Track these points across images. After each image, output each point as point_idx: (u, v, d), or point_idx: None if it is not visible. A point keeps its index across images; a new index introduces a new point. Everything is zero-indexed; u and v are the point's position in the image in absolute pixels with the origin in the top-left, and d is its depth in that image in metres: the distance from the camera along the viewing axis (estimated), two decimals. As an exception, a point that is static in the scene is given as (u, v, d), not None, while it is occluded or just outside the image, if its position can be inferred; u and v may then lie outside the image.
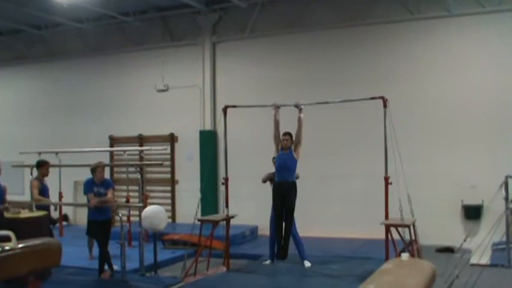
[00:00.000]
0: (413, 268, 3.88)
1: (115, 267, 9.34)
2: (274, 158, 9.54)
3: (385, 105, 8.99)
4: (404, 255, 4.18)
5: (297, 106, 9.25)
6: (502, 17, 12.20)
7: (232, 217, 10.27)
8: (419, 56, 12.90)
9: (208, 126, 14.88)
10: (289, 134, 9.18)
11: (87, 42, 16.75)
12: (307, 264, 10.07)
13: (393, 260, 4.60)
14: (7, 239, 5.34)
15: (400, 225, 8.80)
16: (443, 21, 12.70)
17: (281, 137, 9.22)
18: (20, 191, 15.05)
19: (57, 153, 13.25)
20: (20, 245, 5.34)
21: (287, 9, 14.15)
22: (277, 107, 9.46)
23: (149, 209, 9.56)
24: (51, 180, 10.74)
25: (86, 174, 9.78)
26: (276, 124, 9.36)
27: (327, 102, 10.07)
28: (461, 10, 12.47)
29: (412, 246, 9.04)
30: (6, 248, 5.22)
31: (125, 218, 9.62)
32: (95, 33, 16.41)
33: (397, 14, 13.08)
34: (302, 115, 9.08)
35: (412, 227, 8.93)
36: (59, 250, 5.77)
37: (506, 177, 9.38)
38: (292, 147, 9.06)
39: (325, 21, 13.78)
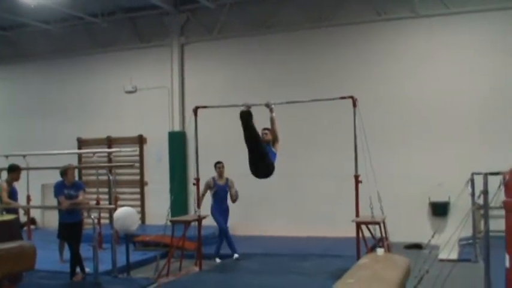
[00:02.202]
0: (389, 262, 3.99)
1: (87, 269, 9.27)
2: None
3: (354, 105, 9.12)
4: (380, 250, 4.29)
5: (267, 106, 9.28)
6: (466, 18, 12.49)
7: (204, 217, 10.31)
8: (387, 56, 13.12)
9: (177, 128, 14.88)
10: (268, 129, 9.20)
11: (54, 43, 16.57)
12: (235, 256, 10.84)
13: (369, 255, 4.70)
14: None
15: (371, 223, 8.96)
16: (409, 22, 12.94)
17: (261, 132, 9.21)
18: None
19: (24, 156, 13.07)
20: (-7, 249, 5.29)
21: (255, 10, 14.23)
22: (247, 107, 9.49)
23: (121, 210, 9.54)
24: (18, 184, 10.62)
25: (54, 177, 9.70)
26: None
27: (296, 102, 10.17)
28: (427, 11, 12.71)
29: (382, 243, 9.17)
30: (-20, 251, 5.17)
31: (95, 221, 9.54)
32: (62, 35, 16.26)
33: (364, 15, 13.28)
34: (274, 114, 9.11)
35: (382, 224, 9.06)
36: (33, 253, 5.75)
37: (472, 174, 9.56)
38: (271, 143, 9.06)
39: (293, 21, 13.90)
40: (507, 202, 5.31)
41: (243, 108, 8.60)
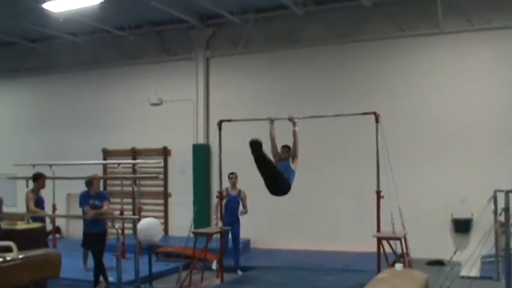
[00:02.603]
0: (407, 277, 4.04)
1: (110, 278, 9.41)
2: None
3: (377, 120, 9.17)
4: (398, 265, 4.33)
5: (290, 119, 9.34)
6: (492, 35, 12.46)
7: (227, 230, 10.38)
8: (411, 72, 13.13)
9: (201, 140, 15.00)
10: (287, 146, 9.21)
11: (81, 55, 16.84)
12: (239, 272, 10.97)
13: (388, 269, 4.75)
14: (8, 249, 5.42)
15: (392, 238, 8.96)
16: (433, 39, 12.92)
17: (279, 150, 9.24)
18: (13, 203, 15.03)
19: (51, 165, 13.28)
20: (21, 256, 5.42)
21: (280, 24, 14.35)
22: (271, 121, 9.56)
23: (144, 221, 9.66)
24: (44, 193, 10.82)
25: (79, 187, 9.88)
26: (272, 139, 9.39)
27: (319, 116, 10.23)
28: (452, 28, 12.69)
29: (403, 259, 9.16)
30: (8, 258, 5.30)
31: (119, 231, 9.68)
32: (89, 47, 16.52)
33: (388, 31, 13.31)
34: (297, 128, 9.13)
35: (403, 240, 9.07)
36: (58, 261, 5.89)
37: (495, 191, 9.53)
38: (290, 160, 9.06)
39: (318, 37, 13.99)
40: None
41: (252, 138, 8.13)
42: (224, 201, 11.00)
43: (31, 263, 5.41)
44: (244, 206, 11.04)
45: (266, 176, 8.28)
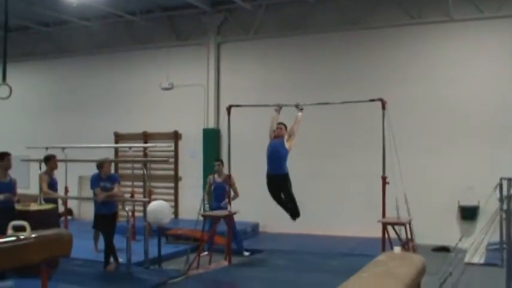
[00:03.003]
0: (404, 260, 4.17)
1: (120, 259, 9.61)
2: None
3: (383, 107, 9.26)
4: (397, 249, 4.47)
5: (297, 106, 9.56)
6: (500, 23, 12.49)
7: (235, 213, 10.54)
8: (419, 60, 13.17)
9: (211, 125, 15.16)
10: (283, 124, 9.49)
11: (93, 40, 17.02)
12: (245, 254, 11.17)
13: (386, 252, 4.88)
14: (21, 229, 5.60)
15: (397, 223, 9.09)
16: (443, 26, 12.96)
17: (275, 127, 9.52)
18: (26, 185, 15.25)
19: (63, 148, 13.46)
20: (34, 235, 5.59)
21: (291, 11, 14.42)
22: (279, 109, 9.76)
23: (154, 203, 9.86)
24: (57, 175, 10.99)
25: (91, 170, 10.06)
26: (272, 121, 9.70)
27: (327, 103, 10.34)
28: (461, 15, 12.71)
29: (408, 245, 9.29)
30: (21, 237, 5.48)
31: (129, 213, 9.88)
32: (101, 32, 16.68)
33: (398, 18, 13.34)
34: (300, 114, 9.42)
35: (408, 226, 9.18)
36: (70, 240, 6.03)
37: (501, 178, 9.62)
38: (285, 138, 9.32)
39: (328, 23, 14.05)
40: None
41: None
42: (212, 189, 11.17)
43: (43, 242, 5.56)
44: (234, 191, 11.05)
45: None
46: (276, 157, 9.35)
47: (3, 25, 11.17)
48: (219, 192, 11.10)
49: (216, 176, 11.24)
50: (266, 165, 9.53)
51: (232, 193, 10.93)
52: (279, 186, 9.43)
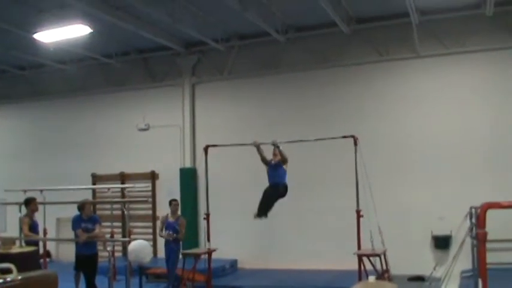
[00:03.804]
0: (378, 288, 4.42)
1: (102, 300, 9.68)
2: None
3: (355, 143, 9.60)
4: (371, 278, 4.71)
5: (274, 144, 9.92)
6: (464, 58, 12.97)
7: (214, 250, 10.69)
8: (389, 95, 13.55)
9: (188, 164, 15.33)
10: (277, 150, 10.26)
11: (70, 82, 17.17)
12: None
13: (361, 282, 5.12)
14: (7, 271, 5.72)
15: (372, 255, 9.35)
16: (410, 62, 13.41)
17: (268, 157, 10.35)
18: (2, 228, 15.18)
19: (41, 190, 13.47)
20: (20, 277, 5.72)
21: (263, 51, 14.77)
22: (257, 144, 10.14)
23: (135, 243, 9.97)
24: (36, 217, 11.03)
25: (69, 212, 10.16)
26: (263, 158, 10.42)
27: (301, 141, 10.65)
28: (428, 52, 13.16)
29: (383, 275, 9.51)
30: (8, 279, 5.61)
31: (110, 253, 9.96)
32: (77, 74, 16.85)
33: (367, 56, 13.75)
34: (281, 147, 10.00)
35: (383, 256, 9.42)
36: (55, 281, 6.19)
37: (471, 208, 9.90)
38: (281, 162, 10.08)
39: (300, 62, 14.41)
40: (479, 233, 5.75)
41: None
42: (163, 228, 11.21)
43: (30, 284, 5.71)
44: (179, 232, 11.06)
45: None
46: (277, 174, 10.26)
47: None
48: (170, 231, 11.09)
49: (169, 215, 11.28)
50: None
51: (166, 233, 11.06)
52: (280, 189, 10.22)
